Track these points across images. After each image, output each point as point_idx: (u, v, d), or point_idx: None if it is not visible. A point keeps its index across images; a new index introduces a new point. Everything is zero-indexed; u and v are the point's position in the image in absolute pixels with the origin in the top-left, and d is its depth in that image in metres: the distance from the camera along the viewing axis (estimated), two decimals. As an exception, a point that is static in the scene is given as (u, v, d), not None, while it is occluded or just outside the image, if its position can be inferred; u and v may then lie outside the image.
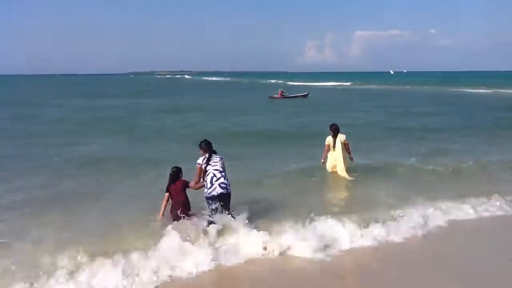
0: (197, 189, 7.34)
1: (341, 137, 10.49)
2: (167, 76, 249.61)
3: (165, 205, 7.34)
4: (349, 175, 10.43)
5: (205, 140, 7.46)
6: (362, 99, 41.36)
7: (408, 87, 66.61)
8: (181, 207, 7.09)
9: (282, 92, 44.41)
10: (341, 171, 10.52)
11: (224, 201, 7.08)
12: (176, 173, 7.39)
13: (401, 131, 18.90)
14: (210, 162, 7.21)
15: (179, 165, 7.58)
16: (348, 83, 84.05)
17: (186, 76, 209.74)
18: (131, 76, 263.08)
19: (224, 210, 7.07)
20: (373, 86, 73.28)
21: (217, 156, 7.34)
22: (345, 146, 10.49)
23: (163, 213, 7.32)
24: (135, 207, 8.16)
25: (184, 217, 6.94)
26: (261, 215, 7.58)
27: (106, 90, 66.05)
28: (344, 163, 10.47)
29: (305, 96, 44.76)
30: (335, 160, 10.61)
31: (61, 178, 10.74)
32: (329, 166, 10.74)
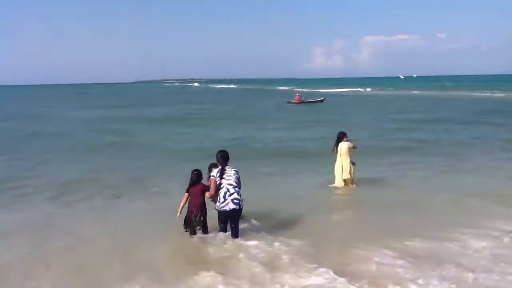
0: (210, 199, 7.27)
1: (341, 146, 10.33)
2: (175, 84, 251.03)
3: (183, 205, 7.30)
4: (343, 184, 10.39)
5: (222, 151, 7.30)
6: (410, 106, 39.54)
7: (435, 92, 64.00)
8: (198, 211, 7.16)
9: (300, 97, 45.12)
10: (338, 181, 10.48)
11: (234, 216, 7.07)
12: (197, 176, 7.37)
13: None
14: (224, 176, 7.08)
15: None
16: (369, 89, 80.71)
17: (195, 84, 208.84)
18: (140, 83, 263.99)
19: (231, 224, 7.12)
20: (398, 92, 71.62)
21: (232, 169, 7.19)
22: (349, 153, 10.29)
23: (180, 212, 7.29)
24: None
25: (196, 219, 7.14)
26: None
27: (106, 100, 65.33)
28: (342, 171, 10.33)
29: (322, 101, 45.03)
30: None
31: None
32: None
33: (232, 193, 6.98)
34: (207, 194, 7.21)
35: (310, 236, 7.20)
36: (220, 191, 7.00)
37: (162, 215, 8.33)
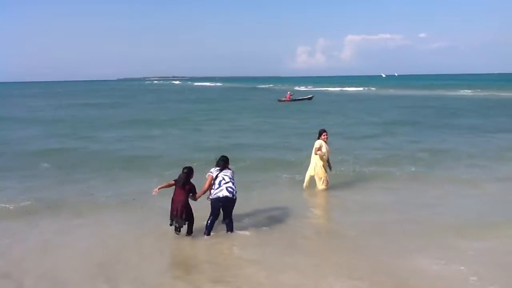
0: (199, 196, 7.44)
1: (315, 143, 10.18)
2: (155, 81, 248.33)
3: (165, 187, 7.44)
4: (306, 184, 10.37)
5: (223, 156, 7.68)
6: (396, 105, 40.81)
7: (425, 92, 62.96)
8: (181, 209, 7.18)
9: (291, 95, 47.18)
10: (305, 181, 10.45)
11: (227, 206, 7.21)
12: (187, 175, 7.39)
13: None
14: (223, 170, 7.42)
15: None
16: (361, 88, 77.47)
17: (175, 82, 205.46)
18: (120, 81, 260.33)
19: (224, 218, 7.32)
20: (392, 91, 72.57)
21: (230, 170, 7.55)
22: (314, 151, 10.08)
23: (159, 189, 7.44)
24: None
25: (179, 218, 7.16)
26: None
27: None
28: (309, 171, 10.28)
29: (310, 98, 47.38)
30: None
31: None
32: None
33: (227, 182, 7.24)
34: (198, 194, 7.41)
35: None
36: (215, 180, 7.27)
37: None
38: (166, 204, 7.57)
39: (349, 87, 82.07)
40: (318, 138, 10.15)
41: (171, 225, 7.30)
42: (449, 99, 45.69)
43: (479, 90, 59.13)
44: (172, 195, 7.37)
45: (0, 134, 21.64)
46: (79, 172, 12.74)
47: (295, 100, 46.07)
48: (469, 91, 58.67)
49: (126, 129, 23.39)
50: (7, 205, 9.35)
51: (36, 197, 9.96)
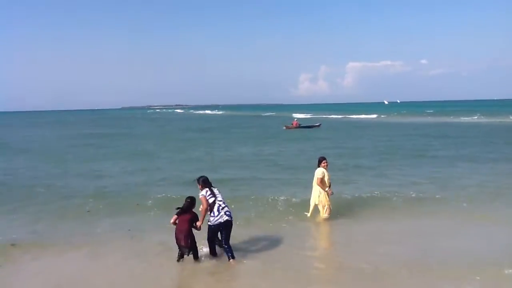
0: (201, 223, 7.65)
1: (316, 171, 10.17)
2: (157, 110, 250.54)
3: (174, 223, 7.60)
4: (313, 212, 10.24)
5: (202, 176, 7.94)
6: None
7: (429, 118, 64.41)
8: (183, 235, 7.48)
9: (297, 122, 47.41)
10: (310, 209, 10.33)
11: (227, 229, 7.64)
12: (190, 204, 7.71)
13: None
14: (214, 194, 7.75)
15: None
16: (374, 116, 75.76)
17: (178, 110, 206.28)
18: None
19: (224, 242, 7.64)
20: (404, 119, 72.23)
21: (216, 188, 7.90)
22: (317, 181, 10.04)
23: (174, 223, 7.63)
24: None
25: (183, 244, 7.48)
26: None
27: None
28: (313, 199, 10.19)
29: (318, 126, 46.88)
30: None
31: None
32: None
33: (224, 207, 7.70)
34: (198, 223, 7.63)
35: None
36: (212, 207, 7.63)
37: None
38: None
39: (353, 114, 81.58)
40: (318, 166, 10.20)
41: (179, 257, 7.63)
42: (463, 126, 45.03)
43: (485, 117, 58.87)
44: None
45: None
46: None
47: (302, 127, 45.59)
48: (481, 117, 58.00)
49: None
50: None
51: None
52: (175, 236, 7.56)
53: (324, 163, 10.15)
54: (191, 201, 7.74)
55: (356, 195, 12.62)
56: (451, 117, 63.04)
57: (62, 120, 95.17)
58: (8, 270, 7.70)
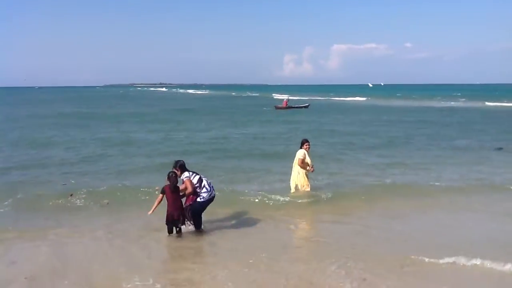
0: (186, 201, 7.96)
1: (297, 153, 10.61)
2: (138, 88, 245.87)
3: (157, 205, 7.77)
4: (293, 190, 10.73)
5: (181, 160, 8.15)
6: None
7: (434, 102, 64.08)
8: (177, 211, 7.67)
9: (287, 102, 48.51)
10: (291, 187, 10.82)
11: (210, 203, 8.14)
12: (176, 177, 7.82)
13: None
14: (197, 172, 8.21)
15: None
16: (363, 98, 73.46)
17: (163, 89, 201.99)
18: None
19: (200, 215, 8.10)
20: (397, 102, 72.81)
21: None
22: (299, 162, 10.47)
23: (153, 211, 7.78)
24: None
25: (179, 219, 7.70)
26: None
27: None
28: (293, 179, 10.71)
29: (307, 107, 48.22)
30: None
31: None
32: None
33: (210, 182, 8.16)
34: (187, 192, 7.83)
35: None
36: (202, 183, 7.98)
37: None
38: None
39: (339, 97, 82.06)
40: (301, 148, 10.56)
41: (170, 232, 7.79)
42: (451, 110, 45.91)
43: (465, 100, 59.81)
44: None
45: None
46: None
47: (291, 107, 47.13)
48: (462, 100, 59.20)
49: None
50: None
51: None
52: (170, 213, 7.62)
53: (306, 145, 10.54)
54: (176, 175, 7.80)
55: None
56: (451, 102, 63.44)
57: (37, 98, 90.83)
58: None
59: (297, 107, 47.69)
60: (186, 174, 7.92)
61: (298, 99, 65.43)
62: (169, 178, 7.71)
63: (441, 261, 6.60)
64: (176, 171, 7.87)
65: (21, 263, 6.90)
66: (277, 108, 46.89)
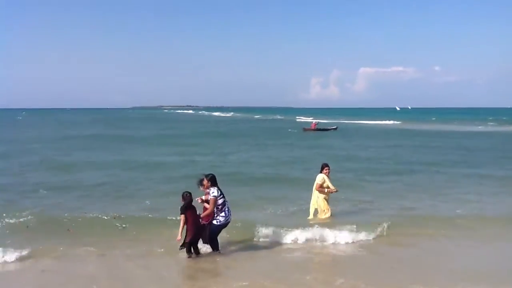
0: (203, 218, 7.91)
1: (316, 177, 10.45)
2: (165, 110, 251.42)
3: (183, 227, 7.67)
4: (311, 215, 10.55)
5: (211, 174, 8.08)
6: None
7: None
8: (200, 231, 7.79)
9: (315, 124, 48.55)
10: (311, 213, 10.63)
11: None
12: (191, 200, 7.79)
13: None
14: (223, 194, 8.06)
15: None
16: (398, 122, 72.11)
17: (189, 111, 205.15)
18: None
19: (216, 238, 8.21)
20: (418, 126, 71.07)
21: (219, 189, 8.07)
22: (316, 187, 10.33)
23: (181, 235, 7.69)
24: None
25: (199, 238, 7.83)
26: None
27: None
28: (312, 203, 10.52)
29: (335, 129, 48.16)
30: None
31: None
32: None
33: (229, 208, 8.11)
34: (208, 211, 7.81)
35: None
36: (222, 206, 7.94)
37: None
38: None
39: (366, 120, 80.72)
40: (320, 172, 10.45)
41: (189, 251, 7.78)
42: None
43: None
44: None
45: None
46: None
47: (320, 130, 46.69)
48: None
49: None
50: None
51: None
52: (196, 233, 7.68)
53: (326, 169, 10.43)
54: (191, 195, 7.87)
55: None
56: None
57: (61, 119, 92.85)
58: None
59: (325, 130, 47.46)
60: (214, 192, 7.88)
61: (326, 122, 64.72)
62: (183, 198, 7.76)
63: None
64: (205, 182, 7.97)
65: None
66: (305, 130, 46.79)
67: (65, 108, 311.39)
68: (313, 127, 47.32)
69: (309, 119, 76.43)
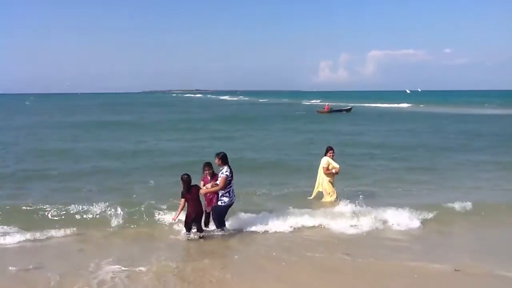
0: (209, 193, 7.94)
1: (321, 160, 10.53)
2: (173, 94, 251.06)
3: (181, 210, 7.82)
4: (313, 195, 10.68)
5: (222, 153, 7.98)
6: None
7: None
8: (200, 214, 7.87)
9: (328, 106, 49.06)
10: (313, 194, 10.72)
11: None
12: (189, 181, 7.77)
13: None
14: (232, 176, 8.01)
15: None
16: (409, 105, 69.67)
17: (198, 95, 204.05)
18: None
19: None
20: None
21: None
22: (324, 170, 10.37)
23: (178, 216, 7.94)
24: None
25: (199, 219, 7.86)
26: None
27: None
28: (317, 185, 10.60)
29: (349, 110, 48.18)
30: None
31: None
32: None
33: (233, 189, 8.13)
34: (216, 188, 7.80)
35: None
36: (229, 188, 7.90)
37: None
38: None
39: (378, 103, 79.19)
40: (325, 155, 10.51)
41: (188, 230, 7.83)
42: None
43: None
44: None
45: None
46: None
47: (333, 111, 46.87)
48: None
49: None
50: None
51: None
52: (191, 216, 7.72)
53: (330, 153, 10.47)
54: (189, 177, 7.82)
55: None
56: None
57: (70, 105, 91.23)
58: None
59: (340, 111, 47.49)
60: (226, 170, 7.86)
61: (335, 105, 63.63)
62: (182, 180, 7.74)
63: None
64: (216, 160, 7.96)
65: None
66: (318, 112, 46.72)
67: (76, 93, 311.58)
68: (326, 109, 47.36)
69: (317, 102, 76.47)
